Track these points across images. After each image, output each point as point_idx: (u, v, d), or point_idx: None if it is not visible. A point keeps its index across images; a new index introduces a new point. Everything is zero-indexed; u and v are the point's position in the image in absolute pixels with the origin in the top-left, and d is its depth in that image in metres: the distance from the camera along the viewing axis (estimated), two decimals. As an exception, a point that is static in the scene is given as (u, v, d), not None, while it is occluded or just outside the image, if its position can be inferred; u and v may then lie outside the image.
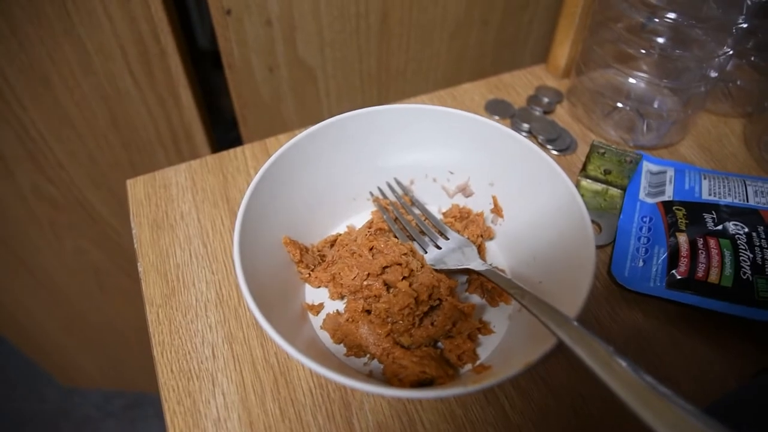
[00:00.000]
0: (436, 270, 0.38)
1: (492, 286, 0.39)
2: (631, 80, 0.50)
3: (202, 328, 0.38)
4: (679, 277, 0.39)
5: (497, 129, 0.40)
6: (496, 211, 0.42)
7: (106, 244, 0.82)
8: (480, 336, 0.38)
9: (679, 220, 0.43)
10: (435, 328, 0.36)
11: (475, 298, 0.40)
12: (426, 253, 0.40)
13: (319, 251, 0.40)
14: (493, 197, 0.42)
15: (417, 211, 0.43)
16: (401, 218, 0.42)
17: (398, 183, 0.44)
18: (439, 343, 0.37)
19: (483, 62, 0.77)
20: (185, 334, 0.38)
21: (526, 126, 0.52)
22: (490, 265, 0.38)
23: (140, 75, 0.60)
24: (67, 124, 0.63)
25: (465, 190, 0.44)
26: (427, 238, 0.41)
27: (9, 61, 0.55)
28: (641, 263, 0.41)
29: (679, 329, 0.39)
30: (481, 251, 0.42)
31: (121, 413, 1.28)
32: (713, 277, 0.39)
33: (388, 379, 0.34)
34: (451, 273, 0.39)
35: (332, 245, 0.41)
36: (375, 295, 0.36)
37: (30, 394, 1.29)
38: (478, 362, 0.36)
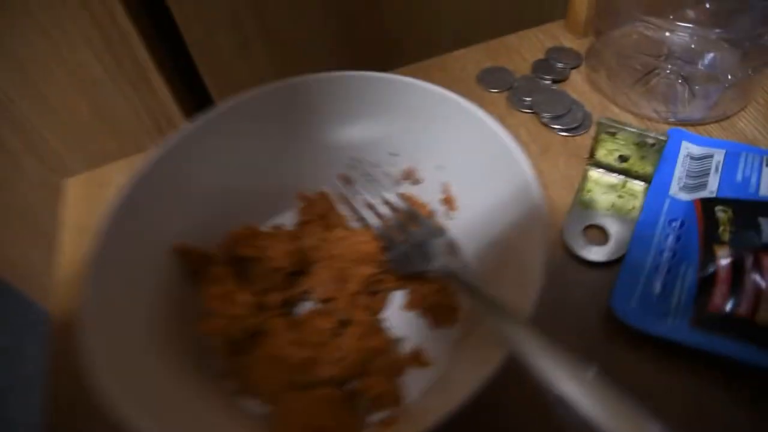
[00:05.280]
0: (401, 276, 0.31)
1: (438, 301, 0.30)
2: (669, 34, 0.37)
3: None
4: (711, 312, 0.28)
5: (436, 93, 0.32)
6: (448, 202, 0.33)
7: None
8: (413, 370, 0.28)
9: (722, 227, 0.30)
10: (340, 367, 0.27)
11: (414, 319, 0.31)
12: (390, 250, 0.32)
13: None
14: (445, 185, 0.34)
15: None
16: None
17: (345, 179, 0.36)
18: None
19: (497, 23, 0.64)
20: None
21: (527, 100, 0.41)
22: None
23: (109, 62, 0.56)
24: (54, 115, 0.60)
25: (412, 176, 0.35)
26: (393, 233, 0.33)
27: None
28: (658, 289, 0.30)
29: (706, 390, 0.27)
30: None
31: None
32: (763, 315, 0.27)
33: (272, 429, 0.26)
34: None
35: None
36: None
37: None
38: (401, 406, 0.27)
